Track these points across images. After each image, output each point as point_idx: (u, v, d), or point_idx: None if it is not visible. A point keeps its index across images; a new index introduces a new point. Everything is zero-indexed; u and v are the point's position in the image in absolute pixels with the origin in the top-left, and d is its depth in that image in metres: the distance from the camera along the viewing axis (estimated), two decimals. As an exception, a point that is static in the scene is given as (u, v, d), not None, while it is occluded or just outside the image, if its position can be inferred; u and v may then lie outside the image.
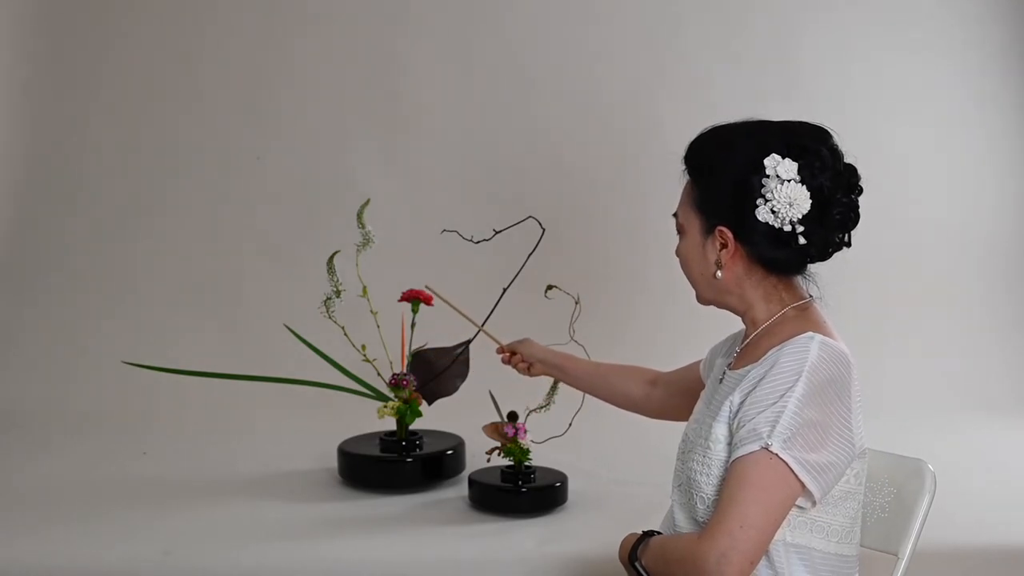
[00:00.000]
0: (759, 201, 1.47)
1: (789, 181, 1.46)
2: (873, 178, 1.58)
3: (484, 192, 3.54)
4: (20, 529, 2.33)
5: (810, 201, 1.46)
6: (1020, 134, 3.56)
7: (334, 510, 2.48)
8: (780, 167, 1.46)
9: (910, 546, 1.61)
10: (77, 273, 3.57)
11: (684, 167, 1.59)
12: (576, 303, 2.27)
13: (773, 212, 1.46)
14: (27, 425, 3.15)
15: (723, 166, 1.51)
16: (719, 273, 1.54)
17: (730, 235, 1.51)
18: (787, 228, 1.47)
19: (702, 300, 1.63)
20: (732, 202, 1.50)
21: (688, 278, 1.62)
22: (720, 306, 1.62)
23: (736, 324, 1.66)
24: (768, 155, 1.47)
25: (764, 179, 1.47)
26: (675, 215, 1.62)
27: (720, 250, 1.53)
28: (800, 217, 1.46)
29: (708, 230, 1.54)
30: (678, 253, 1.62)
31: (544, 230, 2.28)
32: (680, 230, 1.60)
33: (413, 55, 3.65)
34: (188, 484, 2.65)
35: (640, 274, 3.51)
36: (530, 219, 2.27)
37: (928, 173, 3.47)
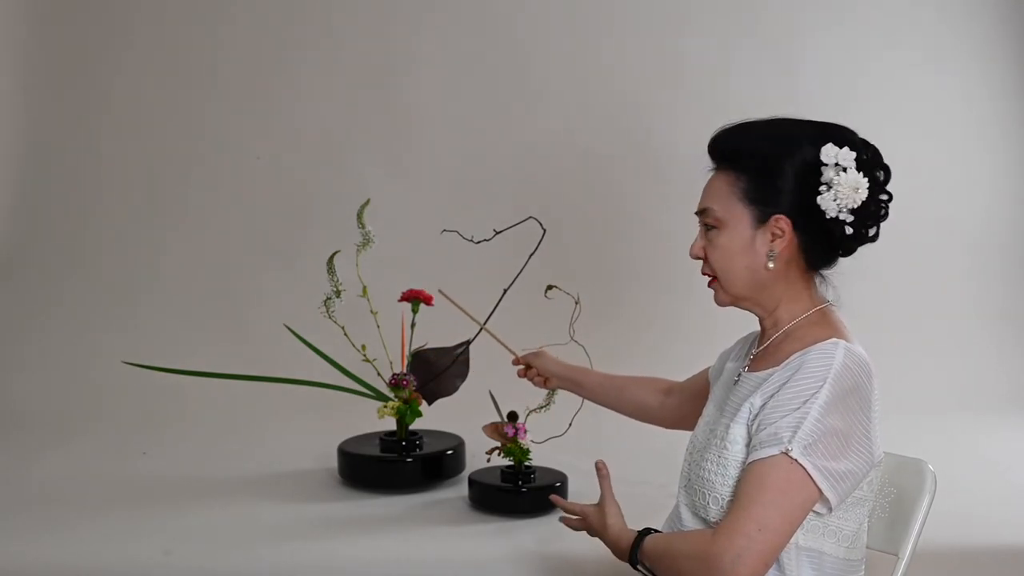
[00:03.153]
0: (822, 189, 1.49)
1: (849, 169, 1.48)
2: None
3: (484, 192, 3.54)
4: (20, 529, 2.34)
5: (868, 190, 1.49)
6: (1017, 136, 3.57)
7: (334, 510, 2.48)
8: (840, 156, 1.48)
9: (910, 546, 1.61)
10: (77, 274, 3.57)
11: (715, 160, 1.57)
12: (576, 303, 2.27)
13: (835, 200, 1.48)
14: (28, 425, 3.15)
15: (783, 156, 1.51)
16: (771, 264, 1.53)
17: (788, 224, 1.51)
18: (842, 216, 1.49)
19: (731, 297, 1.59)
20: (794, 191, 1.50)
21: (724, 273, 1.57)
22: (747, 304, 1.59)
23: (745, 322, 1.66)
24: (824, 144, 1.48)
25: (823, 167, 1.49)
26: (703, 211, 1.58)
27: (773, 241, 1.52)
28: (856, 206, 1.48)
29: (761, 220, 1.53)
30: (709, 250, 1.57)
31: (544, 230, 2.28)
32: (716, 224, 1.56)
33: (413, 56, 3.65)
34: (188, 484, 2.65)
35: (641, 274, 3.51)
36: (530, 219, 2.27)
37: (925, 175, 3.47)
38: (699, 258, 1.60)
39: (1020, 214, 3.58)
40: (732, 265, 1.56)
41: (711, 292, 1.63)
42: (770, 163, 1.52)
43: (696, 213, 1.60)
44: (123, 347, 3.17)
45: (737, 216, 1.55)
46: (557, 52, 3.63)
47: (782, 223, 1.51)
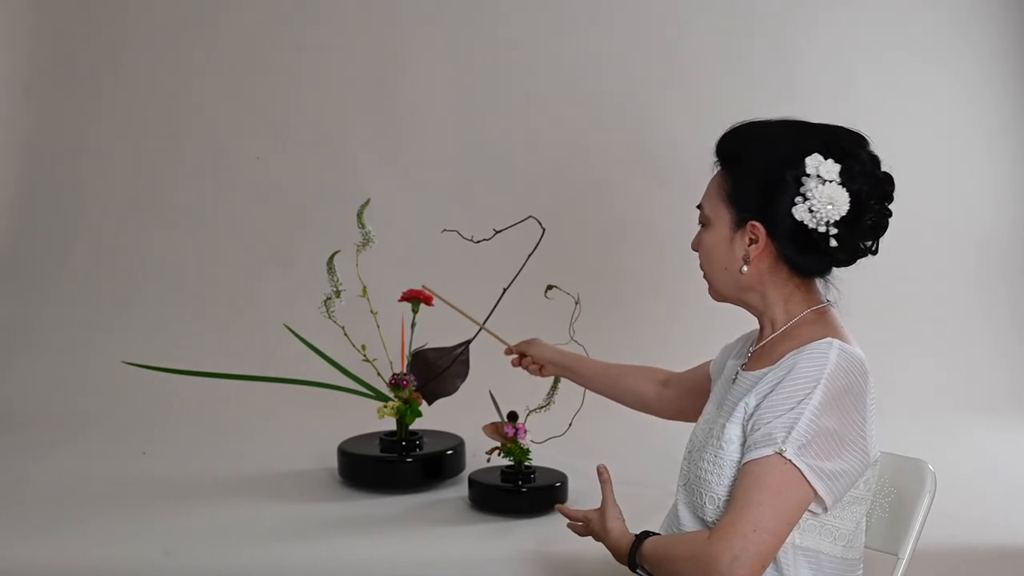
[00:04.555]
0: (797, 199, 1.46)
1: (830, 182, 1.45)
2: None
3: (484, 192, 3.54)
4: (21, 529, 2.33)
5: (848, 204, 1.46)
6: (1018, 136, 3.57)
7: (334, 510, 2.48)
8: (822, 167, 1.45)
9: (910, 546, 1.61)
10: (78, 273, 3.57)
11: (715, 158, 1.58)
12: (576, 303, 2.27)
13: (811, 211, 1.46)
14: (28, 425, 3.15)
15: (762, 160, 1.50)
16: (745, 268, 1.53)
17: (763, 231, 1.50)
18: (821, 229, 1.46)
19: (718, 295, 1.62)
20: (769, 198, 1.49)
21: (708, 271, 1.60)
22: (736, 303, 1.60)
23: (747, 324, 1.66)
24: (810, 154, 1.46)
25: (804, 178, 1.46)
26: (699, 206, 1.60)
27: (749, 245, 1.52)
28: (836, 219, 1.46)
29: (739, 224, 1.53)
30: (700, 245, 1.60)
31: (544, 230, 2.28)
32: (705, 222, 1.59)
33: (413, 55, 3.65)
34: (188, 484, 2.65)
35: (641, 274, 3.51)
36: (530, 219, 2.27)
37: (926, 175, 3.46)
38: (696, 251, 1.62)
39: (1023, 214, 3.58)
40: (712, 265, 1.59)
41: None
42: (753, 169, 1.52)
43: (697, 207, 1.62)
44: (123, 347, 3.17)
45: (721, 217, 1.56)
46: (557, 52, 3.63)
47: (758, 229, 1.51)
